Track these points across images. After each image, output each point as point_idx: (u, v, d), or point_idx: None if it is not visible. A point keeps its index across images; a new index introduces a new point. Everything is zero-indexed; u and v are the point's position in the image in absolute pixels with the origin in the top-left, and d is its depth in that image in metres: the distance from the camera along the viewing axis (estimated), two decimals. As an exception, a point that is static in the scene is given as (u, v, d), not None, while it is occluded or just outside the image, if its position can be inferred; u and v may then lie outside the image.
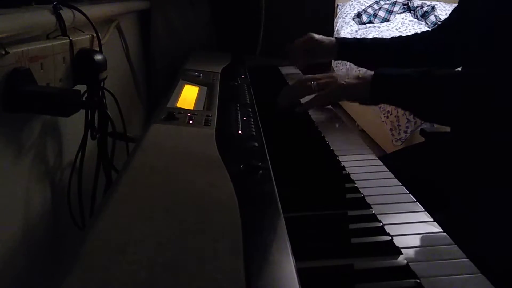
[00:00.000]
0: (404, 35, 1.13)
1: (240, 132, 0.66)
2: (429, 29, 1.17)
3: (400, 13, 3.88)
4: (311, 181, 0.60)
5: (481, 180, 0.74)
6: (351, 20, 3.85)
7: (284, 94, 0.90)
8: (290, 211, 0.46)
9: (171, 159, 0.51)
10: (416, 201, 0.55)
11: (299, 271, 0.34)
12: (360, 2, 3.98)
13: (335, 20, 3.43)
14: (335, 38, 1.15)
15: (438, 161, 0.88)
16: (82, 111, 0.72)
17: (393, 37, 1.14)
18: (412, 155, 0.97)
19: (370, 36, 3.33)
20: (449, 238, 0.46)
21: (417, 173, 0.80)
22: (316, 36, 1.13)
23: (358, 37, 3.49)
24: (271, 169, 0.53)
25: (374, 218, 0.50)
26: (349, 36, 3.66)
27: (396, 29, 3.70)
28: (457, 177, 0.79)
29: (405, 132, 2.39)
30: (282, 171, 0.57)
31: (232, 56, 1.27)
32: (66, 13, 0.67)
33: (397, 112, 2.43)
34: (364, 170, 0.65)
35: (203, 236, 0.36)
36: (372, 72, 0.80)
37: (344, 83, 0.82)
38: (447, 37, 0.99)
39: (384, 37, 3.18)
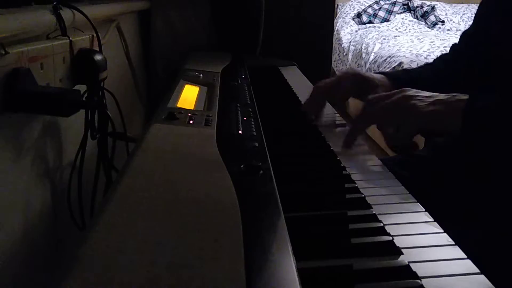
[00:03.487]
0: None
1: (240, 132, 0.66)
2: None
3: (400, 13, 3.88)
4: (311, 181, 0.60)
5: (482, 180, 0.74)
6: (351, 20, 3.85)
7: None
8: (290, 211, 0.46)
9: (172, 159, 0.51)
10: (416, 201, 0.55)
11: (299, 271, 0.34)
12: (360, 2, 3.98)
13: (335, 20, 3.43)
14: (382, 73, 0.92)
15: (439, 162, 0.87)
16: (82, 111, 0.72)
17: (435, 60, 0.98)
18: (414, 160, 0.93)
19: (370, 36, 3.33)
20: (450, 238, 0.46)
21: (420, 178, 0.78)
22: (364, 73, 0.89)
23: (358, 37, 3.50)
24: (271, 169, 0.53)
25: (374, 218, 0.50)
26: (349, 36, 3.66)
27: (396, 29, 3.70)
28: (457, 177, 0.79)
29: (405, 132, 2.39)
30: (282, 171, 0.57)
31: (232, 56, 1.27)
32: (66, 13, 0.67)
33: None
34: (364, 170, 0.65)
35: (203, 236, 0.36)
36: (454, 96, 0.65)
37: (425, 111, 0.65)
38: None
39: (383, 37, 3.19)
